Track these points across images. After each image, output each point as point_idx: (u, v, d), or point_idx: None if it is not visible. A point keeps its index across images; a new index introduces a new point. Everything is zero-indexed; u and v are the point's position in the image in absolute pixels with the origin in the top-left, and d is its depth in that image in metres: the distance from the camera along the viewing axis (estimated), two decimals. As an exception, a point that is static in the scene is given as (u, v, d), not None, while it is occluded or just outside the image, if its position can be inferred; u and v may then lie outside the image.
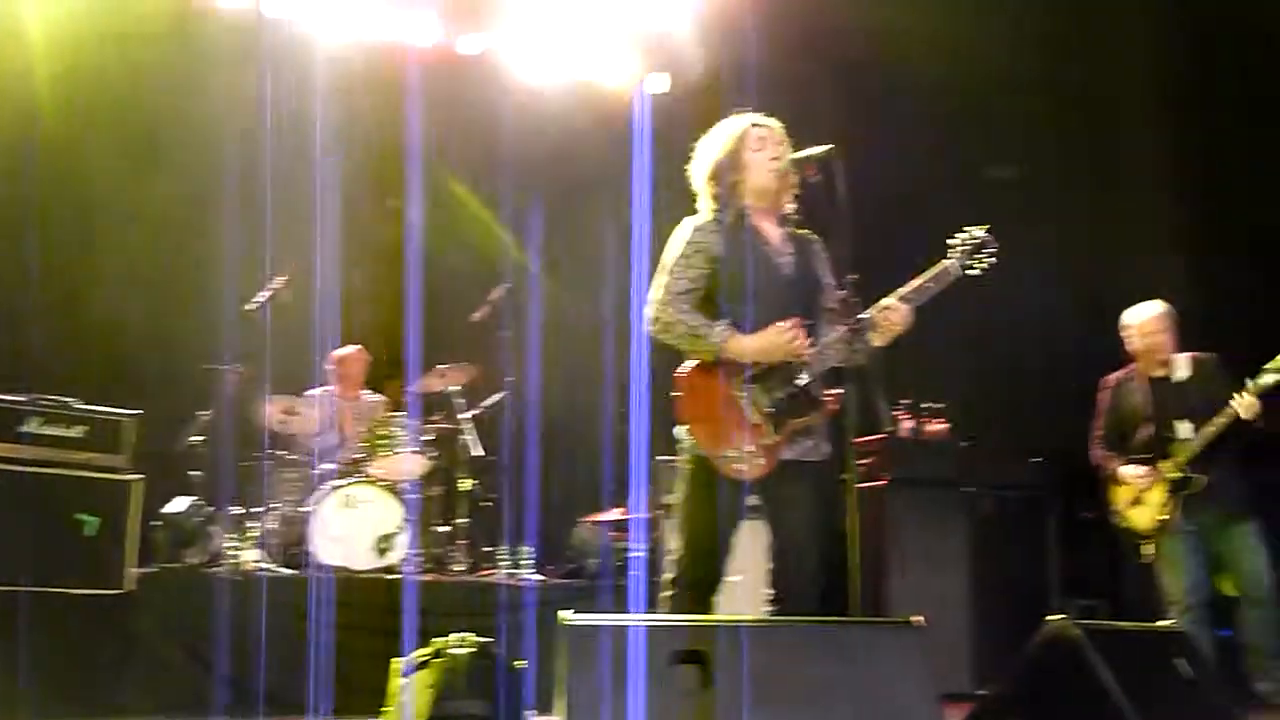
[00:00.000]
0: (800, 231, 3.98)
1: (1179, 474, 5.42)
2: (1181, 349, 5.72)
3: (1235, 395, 5.24)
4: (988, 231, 3.87)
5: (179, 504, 6.31)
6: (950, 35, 7.71)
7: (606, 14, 8.64)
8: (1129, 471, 5.58)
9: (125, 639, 5.46)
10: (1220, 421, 5.30)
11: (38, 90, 7.70)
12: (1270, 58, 7.14)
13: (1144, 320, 5.70)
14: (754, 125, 3.94)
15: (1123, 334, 5.77)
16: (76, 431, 5.55)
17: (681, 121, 4.12)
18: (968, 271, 3.85)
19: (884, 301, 3.72)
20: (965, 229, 3.87)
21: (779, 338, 3.69)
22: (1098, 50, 8.19)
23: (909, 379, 7.37)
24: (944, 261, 3.84)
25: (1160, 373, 5.64)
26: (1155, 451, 5.53)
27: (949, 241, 3.85)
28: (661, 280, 3.85)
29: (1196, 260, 7.48)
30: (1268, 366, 5.24)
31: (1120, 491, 5.66)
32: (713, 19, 8.40)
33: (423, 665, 3.25)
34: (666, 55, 8.87)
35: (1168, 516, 5.43)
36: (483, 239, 9.06)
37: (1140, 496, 5.56)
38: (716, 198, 3.95)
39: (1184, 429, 5.44)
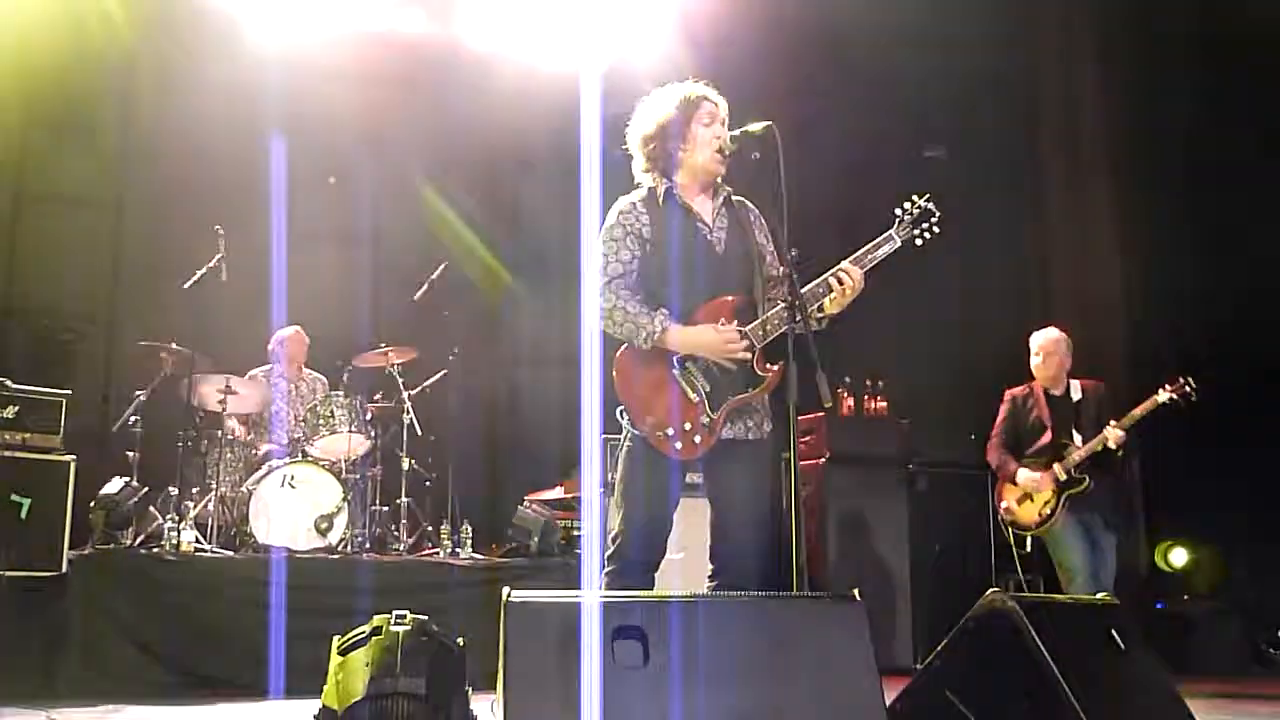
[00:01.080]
0: (737, 200, 3.93)
1: (1067, 475, 5.97)
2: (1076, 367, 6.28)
3: (1110, 424, 5.89)
4: (929, 201, 3.84)
5: (115, 485, 6.19)
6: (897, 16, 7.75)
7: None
8: (1027, 476, 6.07)
9: (60, 622, 5.36)
10: (1098, 440, 5.91)
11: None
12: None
13: (1048, 342, 6.21)
14: (705, 98, 3.86)
15: (1032, 353, 6.23)
16: (9, 412, 5.44)
17: (628, 101, 4.03)
18: (914, 242, 3.82)
19: (840, 265, 3.69)
20: (911, 198, 3.84)
21: (716, 337, 3.65)
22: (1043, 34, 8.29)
23: (850, 357, 7.43)
24: (888, 231, 3.82)
25: (1057, 391, 6.18)
26: (1049, 457, 6.05)
27: (895, 212, 3.82)
28: (595, 265, 3.80)
29: (1141, 249, 7.61)
30: (1134, 412, 5.92)
31: (1011, 490, 6.18)
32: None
33: (359, 643, 3.21)
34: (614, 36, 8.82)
35: (1050, 512, 5.99)
36: (426, 218, 8.96)
37: (1029, 494, 6.09)
38: (652, 159, 3.87)
39: (1077, 439, 6.03)
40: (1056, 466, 5.98)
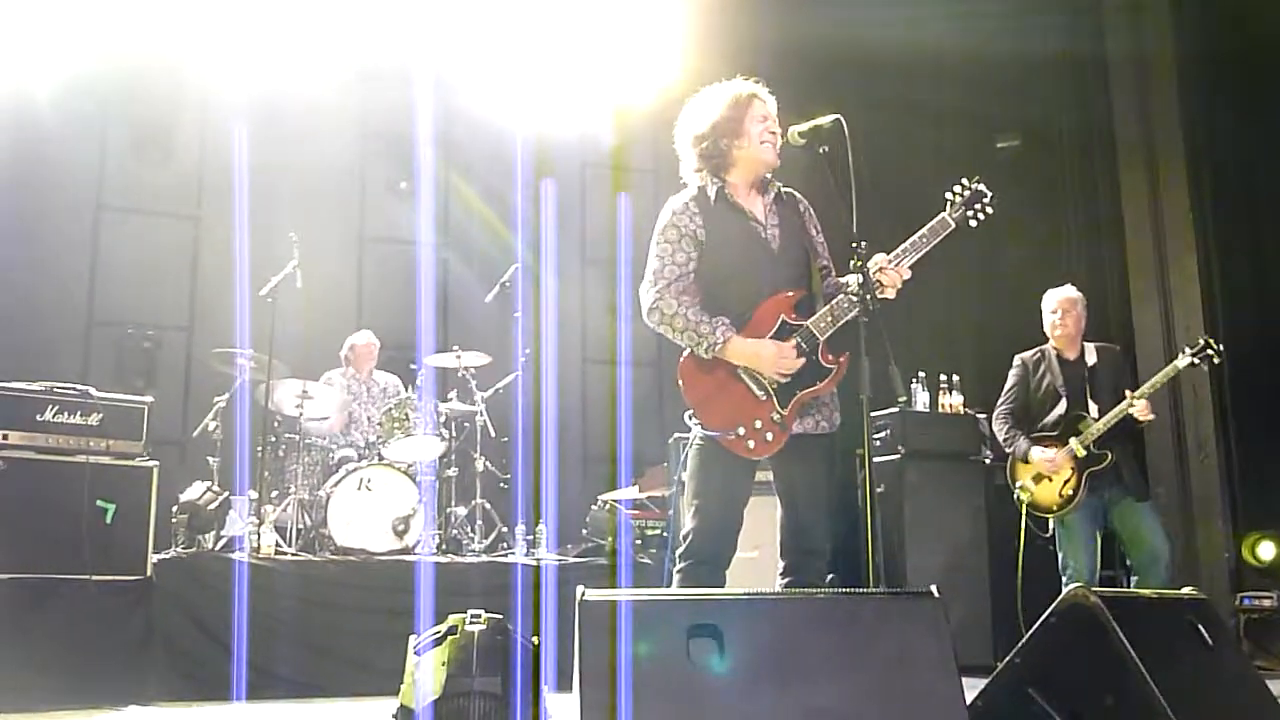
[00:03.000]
0: (786, 193, 3.90)
1: (1087, 451, 5.56)
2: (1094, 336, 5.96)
3: (1130, 394, 5.51)
4: (980, 181, 3.79)
5: (196, 489, 6.31)
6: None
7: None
8: (1041, 455, 5.65)
9: (145, 625, 5.46)
10: (1119, 411, 5.51)
11: (42, 85, 7.69)
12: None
13: (1065, 299, 5.83)
14: (757, 97, 3.84)
15: (1045, 313, 5.88)
16: (93, 420, 5.54)
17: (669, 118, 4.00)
18: (968, 223, 3.77)
19: (876, 258, 3.65)
20: (961, 181, 3.79)
21: (774, 353, 3.63)
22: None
23: (924, 351, 7.35)
24: (941, 214, 3.75)
25: (1071, 355, 5.80)
26: (1064, 430, 5.66)
27: (946, 195, 3.78)
28: (651, 267, 3.78)
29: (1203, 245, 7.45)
30: (1154, 379, 5.56)
31: (1025, 468, 5.76)
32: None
33: (436, 642, 3.23)
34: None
35: (1073, 492, 5.57)
36: (493, 222, 9.02)
37: (1046, 473, 5.67)
38: (705, 157, 3.85)
39: (1093, 409, 5.62)
40: (1074, 442, 5.56)
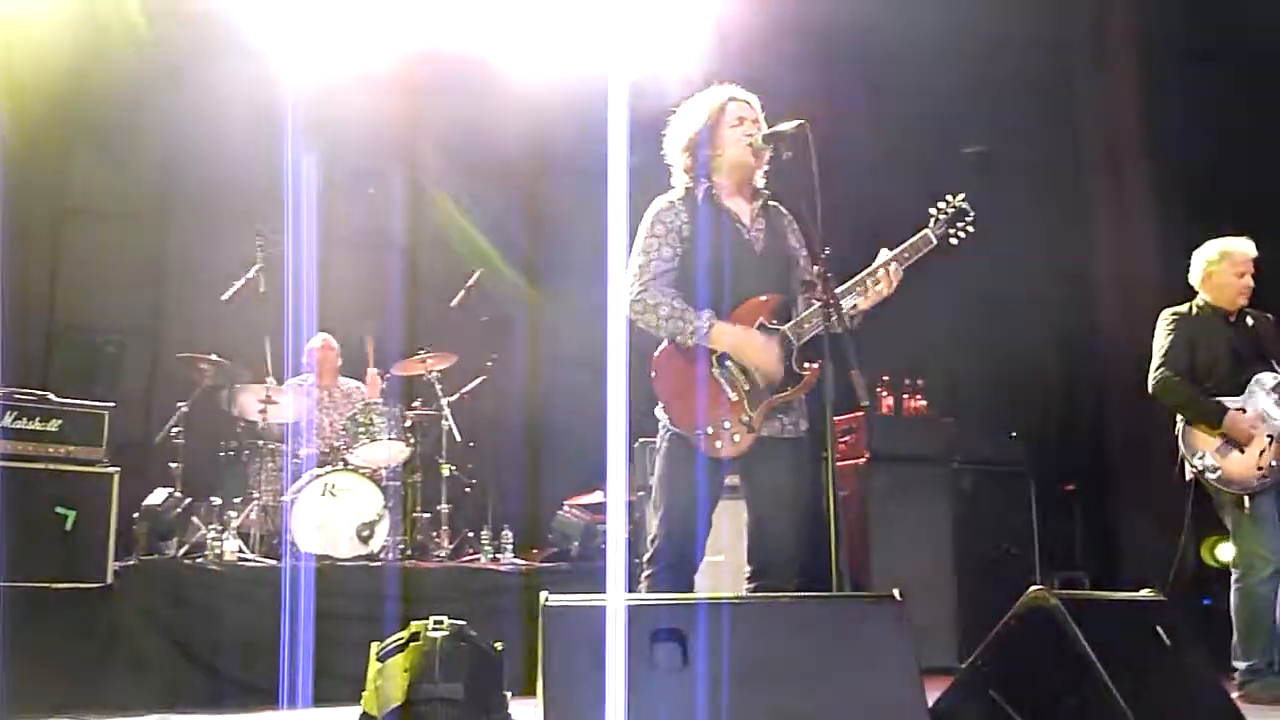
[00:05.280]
0: (772, 204, 3.97)
1: None
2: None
3: None
4: (964, 199, 3.85)
5: (158, 496, 6.26)
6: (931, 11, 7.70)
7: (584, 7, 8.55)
8: (1240, 419, 4.96)
9: (106, 633, 5.41)
10: None
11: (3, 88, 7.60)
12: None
13: (1242, 252, 5.24)
14: (732, 99, 3.93)
15: (1209, 265, 5.31)
16: (53, 425, 5.49)
17: (659, 110, 4.07)
18: (949, 240, 3.84)
19: (881, 262, 3.73)
20: (945, 198, 3.85)
21: (761, 343, 3.68)
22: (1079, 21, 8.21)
23: (889, 355, 7.39)
24: (924, 230, 3.82)
25: (1233, 316, 5.25)
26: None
27: (929, 211, 3.84)
28: (636, 261, 3.84)
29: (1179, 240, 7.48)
30: None
31: (1206, 440, 5.08)
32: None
33: (399, 649, 3.23)
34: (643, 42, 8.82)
35: (1276, 462, 4.96)
36: (460, 224, 8.99)
37: (1235, 443, 5.02)
38: (689, 170, 3.93)
39: (1268, 378, 5.08)
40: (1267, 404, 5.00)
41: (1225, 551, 7.84)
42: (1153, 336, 5.37)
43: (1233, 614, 5.10)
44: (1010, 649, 3.40)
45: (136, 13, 7.84)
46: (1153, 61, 7.86)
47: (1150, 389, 5.27)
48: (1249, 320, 5.24)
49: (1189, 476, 5.22)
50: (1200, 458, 5.09)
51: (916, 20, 7.64)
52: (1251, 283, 5.22)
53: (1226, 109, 7.45)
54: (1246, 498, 4.98)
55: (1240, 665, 5.08)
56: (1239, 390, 5.07)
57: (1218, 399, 5.10)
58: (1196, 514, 5.21)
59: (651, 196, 3.97)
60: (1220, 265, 5.27)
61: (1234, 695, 4.82)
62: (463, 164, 9.00)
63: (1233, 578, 5.10)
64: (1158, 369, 5.23)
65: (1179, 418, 5.25)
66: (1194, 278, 5.40)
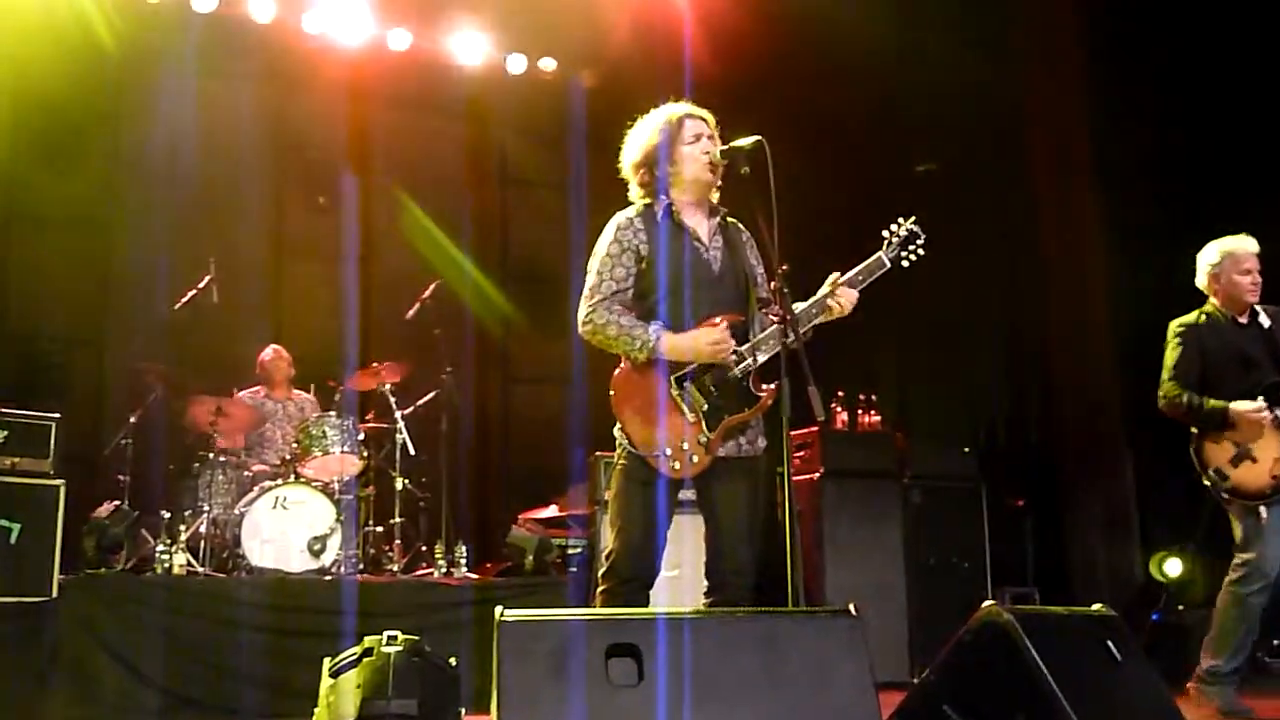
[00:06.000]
0: (730, 221, 3.98)
1: None
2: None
3: None
4: (917, 223, 3.89)
5: (106, 508, 6.17)
6: (885, 31, 7.76)
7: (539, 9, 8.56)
8: (1246, 406, 4.85)
9: (50, 648, 5.32)
10: None
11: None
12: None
13: (1245, 249, 5.09)
14: (688, 116, 3.92)
15: (1213, 268, 5.18)
16: (-2, 436, 5.41)
17: (616, 117, 4.08)
18: (900, 263, 3.87)
19: (839, 284, 3.76)
20: (898, 220, 3.89)
21: (706, 337, 3.69)
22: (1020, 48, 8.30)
23: (843, 372, 7.43)
24: (878, 253, 3.85)
25: (1244, 319, 5.11)
26: (1268, 399, 4.92)
27: (882, 233, 3.87)
28: (589, 280, 3.84)
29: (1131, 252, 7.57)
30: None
31: (1217, 449, 4.98)
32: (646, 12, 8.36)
33: (352, 664, 3.19)
34: (599, 50, 8.84)
35: None
36: (415, 236, 8.95)
37: (1247, 452, 4.91)
38: (645, 186, 3.93)
39: None
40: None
41: (1173, 566, 7.97)
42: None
43: (1216, 612, 5.02)
44: (963, 664, 3.42)
45: (87, 20, 7.76)
46: (1100, 65, 7.89)
47: (1159, 405, 5.18)
48: (1263, 320, 5.10)
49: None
50: (1213, 470, 5.01)
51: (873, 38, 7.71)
52: (1259, 279, 5.09)
53: (1176, 112, 7.51)
54: (1263, 507, 4.89)
55: (1207, 663, 5.05)
56: (1251, 395, 4.95)
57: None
58: (1209, 527, 5.20)
59: (616, 203, 3.97)
60: (1223, 266, 5.15)
61: (1189, 685, 5.00)
62: (425, 173, 8.98)
63: (1228, 579, 4.99)
64: (1164, 384, 5.14)
65: (1193, 432, 5.16)
66: (1200, 282, 5.27)
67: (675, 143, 3.88)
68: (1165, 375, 5.12)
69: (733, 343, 3.70)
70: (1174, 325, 5.18)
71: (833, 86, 8.23)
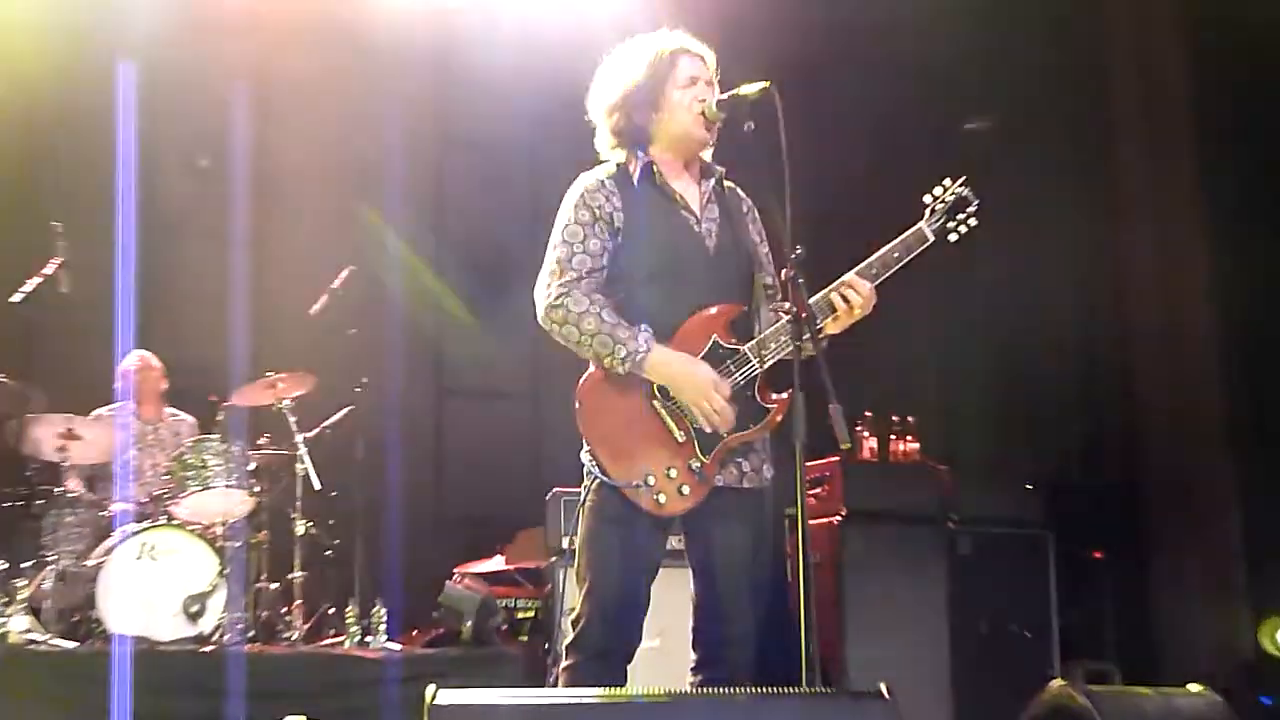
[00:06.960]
0: (728, 186, 3.94)
1: None
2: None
3: None
4: (965, 185, 3.86)
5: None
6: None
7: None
8: None
9: None
10: None
11: None
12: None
13: None
14: (684, 52, 3.85)
15: None
16: None
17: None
18: (947, 236, 3.84)
19: (844, 278, 3.70)
20: (942, 184, 3.86)
21: (707, 380, 3.59)
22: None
23: (874, 387, 7.45)
24: (918, 224, 3.82)
25: None
26: None
27: (924, 199, 3.84)
28: (554, 254, 3.75)
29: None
30: None
31: None
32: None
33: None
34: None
35: None
36: (324, 213, 8.94)
37: None
38: (619, 135, 3.87)
39: None
40: None
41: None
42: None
43: None
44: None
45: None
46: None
47: None
48: None
49: None
50: None
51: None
52: None
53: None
54: None
55: None
56: None
57: None
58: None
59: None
60: None
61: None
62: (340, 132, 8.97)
63: None
64: None
65: None
66: None
67: (664, 84, 3.81)
68: None
69: (733, 419, 3.63)
70: None
71: (853, 21, 8.26)
